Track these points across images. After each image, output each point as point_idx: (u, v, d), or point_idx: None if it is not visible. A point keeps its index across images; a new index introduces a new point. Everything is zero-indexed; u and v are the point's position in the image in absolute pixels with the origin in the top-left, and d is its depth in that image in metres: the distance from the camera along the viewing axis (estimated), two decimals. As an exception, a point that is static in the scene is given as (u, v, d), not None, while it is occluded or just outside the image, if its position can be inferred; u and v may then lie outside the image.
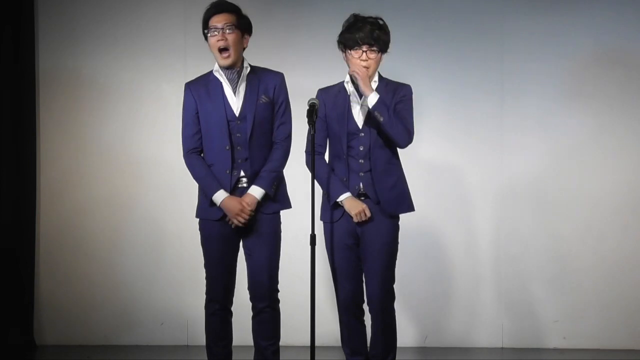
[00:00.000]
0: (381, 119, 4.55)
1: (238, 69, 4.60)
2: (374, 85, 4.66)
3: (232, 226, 4.57)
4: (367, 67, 4.59)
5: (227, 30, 4.53)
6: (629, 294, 6.13)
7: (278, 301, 4.70)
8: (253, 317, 4.67)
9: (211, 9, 4.56)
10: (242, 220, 4.54)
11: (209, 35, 4.55)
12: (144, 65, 6.33)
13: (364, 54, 4.59)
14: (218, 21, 4.53)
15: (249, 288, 4.66)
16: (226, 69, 4.59)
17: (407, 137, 4.62)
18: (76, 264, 6.34)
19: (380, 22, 4.63)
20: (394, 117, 4.57)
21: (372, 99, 4.55)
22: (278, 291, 4.69)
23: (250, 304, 4.68)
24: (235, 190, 4.58)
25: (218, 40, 4.52)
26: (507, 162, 6.21)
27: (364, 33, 4.57)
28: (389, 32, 4.64)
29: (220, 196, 4.55)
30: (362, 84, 4.56)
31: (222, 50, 4.53)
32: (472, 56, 6.19)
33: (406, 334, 5.94)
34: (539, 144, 6.19)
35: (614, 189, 6.15)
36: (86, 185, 6.34)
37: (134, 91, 6.34)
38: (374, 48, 4.58)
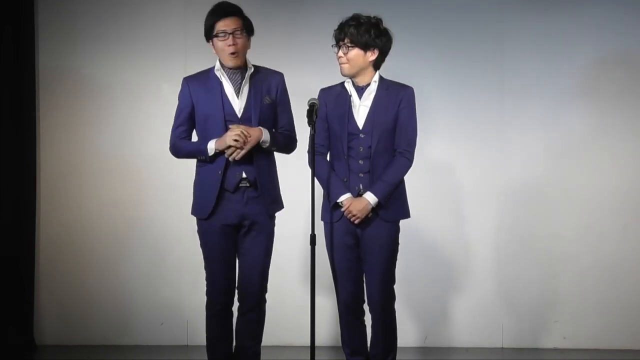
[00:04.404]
0: (394, 190, 4.60)
1: (242, 69, 4.60)
2: (374, 85, 4.66)
3: (231, 158, 4.46)
4: (344, 64, 4.59)
5: (237, 35, 4.50)
6: (629, 294, 6.13)
7: (265, 301, 4.70)
8: (239, 317, 4.66)
9: (218, 11, 4.51)
10: (239, 140, 4.43)
11: (216, 38, 4.51)
12: (144, 65, 6.32)
13: (340, 50, 4.60)
14: (227, 25, 4.48)
15: (238, 287, 4.63)
16: (230, 68, 4.57)
17: (409, 163, 4.66)
18: (76, 264, 6.34)
19: (373, 20, 4.60)
20: (390, 172, 4.59)
21: (374, 199, 4.57)
22: (266, 291, 4.68)
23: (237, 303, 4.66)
24: (237, 191, 4.57)
25: (229, 45, 4.49)
26: (507, 162, 6.21)
27: (338, 30, 4.60)
28: (372, 29, 4.58)
29: (210, 142, 4.49)
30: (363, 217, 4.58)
31: (232, 53, 4.51)
32: (472, 56, 6.19)
33: (406, 334, 5.93)
34: (539, 143, 6.18)
35: (614, 189, 6.15)
36: (86, 185, 6.34)
37: (134, 91, 6.33)
38: (349, 45, 4.57)
